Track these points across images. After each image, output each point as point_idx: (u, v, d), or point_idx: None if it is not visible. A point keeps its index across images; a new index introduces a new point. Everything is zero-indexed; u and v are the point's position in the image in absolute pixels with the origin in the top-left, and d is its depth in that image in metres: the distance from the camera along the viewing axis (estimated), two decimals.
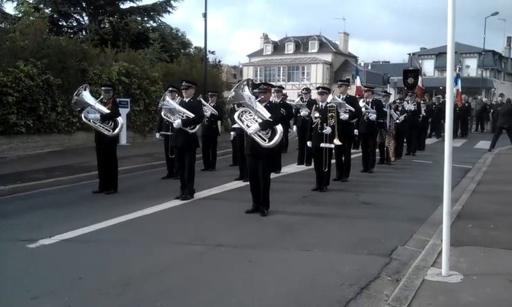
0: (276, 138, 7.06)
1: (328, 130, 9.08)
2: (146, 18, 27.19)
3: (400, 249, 5.85)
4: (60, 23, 25.70)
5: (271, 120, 7.07)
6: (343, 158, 10.33)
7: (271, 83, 13.62)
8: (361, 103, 11.74)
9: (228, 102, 7.66)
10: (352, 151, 12.73)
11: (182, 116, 8.23)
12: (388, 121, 12.89)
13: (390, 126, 13.02)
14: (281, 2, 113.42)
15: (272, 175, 10.58)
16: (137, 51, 19.52)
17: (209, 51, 25.15)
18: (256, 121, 7.12)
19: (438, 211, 7.25)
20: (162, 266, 5.20)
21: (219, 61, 29.87)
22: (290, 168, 12.13)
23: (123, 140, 16.17)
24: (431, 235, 6.20)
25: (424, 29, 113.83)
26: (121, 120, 9.12)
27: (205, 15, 20.68)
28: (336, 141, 9.15)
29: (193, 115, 8.20)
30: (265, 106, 7.26)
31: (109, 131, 8.88)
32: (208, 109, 11.53)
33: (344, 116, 10.02)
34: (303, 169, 12.06)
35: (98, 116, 8.83)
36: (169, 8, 27.03)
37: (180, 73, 19.17)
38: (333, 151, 9.57)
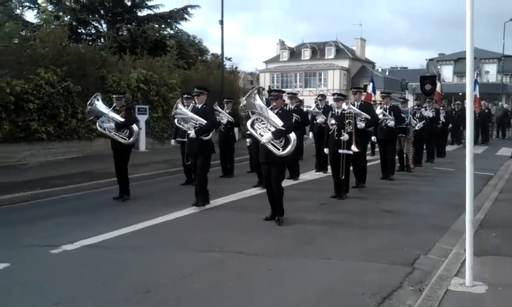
0: (290, 146, 7.00)
1: (345, 136, 8.97)
2: (163, 26, 27.45)
3: (423, 258, 5.76)
4: (79, 31, 26.06)
5: (284, 129, 7.00)
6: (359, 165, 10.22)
7: (282, 89, 13.56)
8: (378, 110, 11.62)
9: (240, 110, 7.65)
10: (370, 158, 12.65)
11: (195, 123, 8.20)
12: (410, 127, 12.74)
13: (409, 133, 12.85)
14: (295, 9, 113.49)
15: (290, 182, 10.61)
16: (155, 58, 19.67)
17: (226, 58, 25.27)
18: (269, 129, 7.07)
19: (461, 219, 7.13)
20: (183, 273, 5.21)
21: (236, 68, 29.98)
22: (308, 175, 12.07)
23: (142, 146, 16.32)
24: (454, 244, 6.11)
25: (441, 34, 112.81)
26: (136, 127, 9.14)
27: (221, 22, 20.80)
28: (354, 148, 9.02)
29: (206, 122, 8.16)
30: (277, 113, 7.21)
31: (125, 139, 8.91)
32: (225, 116, 11.52)
33: (361, 124, 9.91)
34: (320, 176, 12.00)
35: (112, 124, 8.86)
36: (186, 15, 27.27)
37: (197, 80, 19.25)
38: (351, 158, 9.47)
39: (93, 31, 27.10)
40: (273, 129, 7.04)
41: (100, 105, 8.96)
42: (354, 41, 61.26)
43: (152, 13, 27.06)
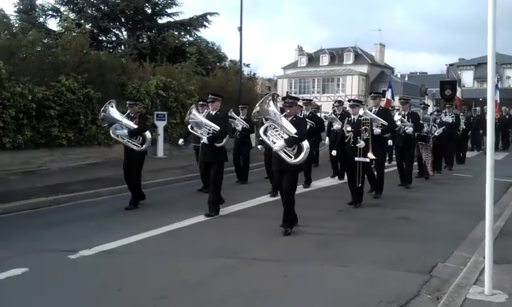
0: (303, 155, 6.85)
1: (361, 144, 8.84)
2: (183, 33, 27.75)
3: (441, 266, 5.68)
4: (100, 38, 26.51)
5: (297, 136, 6.85)
6: (375, 172, 10.06)
7: (296, 96, 13.45)
8: (396, 116, 11.42)
9: (253, 117, 7.58)
10: (387, 164, 12.47)
11: (209, 130, 8.18)
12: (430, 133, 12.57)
13: (429, 140, 12.62)
14: (313, 14, 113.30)
15: (304, 189, 10.57)
16: (174, 65, 19.87)
17: (244, 64, 25.39)
18: (282, 136, 6.94)
19: (480, 227, 7.02)
20: (198, 279, 5.22)
21: (254, 74, 30.09)
22: (324, 182, 12.02)
23: (159, 152, 16.47)
24: (473, 252, 6.00)
25: (460, 39, 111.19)
26: (148, 135, 9.11)
27: (240, 29, 20.93)
28: (371, 155, 8.90)
29: (219, 128, 8.12)
30: (291, 120, 7.06)
31: (138, 146, 8.88)
32: (240, 123, 11.47)
33: (376, 130, 9.72)
34: (336, 183, 11.93)
35: (125, 132, 8.83)
36: (205, 23, 27.53)
37: (215, 86, 19.37)
38: (372, 165, 9.43)
39: (114, 39, 27.56)
40: (286, 136, 6.91)
41: (113, 112, 8.93)
42: (373, 47, 60.93)
43: (172, 20, 27.43)
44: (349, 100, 9.80)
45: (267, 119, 7.38)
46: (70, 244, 6.36)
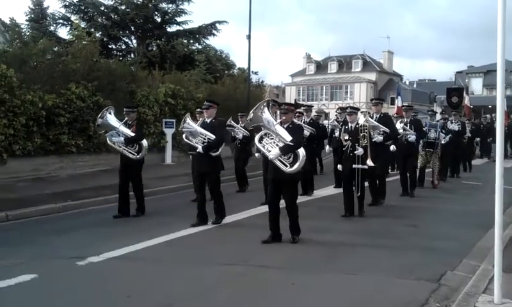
0: (298, 163, 6.64)
1: (359, 151, 8.45)
2: (192, 41, 27.93)
3: (450, 274, 5.63)
4: (110, 47, 26.77)
5: (292, 144, 6.63)
6: (377, 181, 9.84)
7: (295, 103, 13.29)
8: (398, 124, 11.09)
9: (247, 125, 7.41)
10: (390, 172, 12.29)
11: (204, 138, 7.90)
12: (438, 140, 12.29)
13: (438, 148, 12.40)
14: (321, 22, 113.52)
15: (307, 198, 10.49)
16: (183, 73, 19.99)
17: (252, 72, 25.48)
18: (277, 145, 6.73)
19: (489, 235, 6.97)
20: (206, 286, 5.23)
21: (262, 81, 30.19)
22: (328, 190, 11.85)
23: (168, 159, 16.54)
24: (482, 260, 5.95)
25: (469, 46, 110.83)
26: (145, 142, 8.96)
27: (249, 37, 21.02)
28: (370, 162, 8.53)
29: (214, 137, 7.84)
30: (287, 128, 6.83)
31: (134, 155, 8.71)
32: (240, 132, 11.36)
33: (378, 138, 9.47)
34: (339, 192, 11.46)
35: (122, 139, 8.66)
36: (214, 31, 27.70)
37: (224, 94, 19.46)
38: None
39: (124, 47, 27.82)
40: (281, 144, 6.71)
41: (111, 119, 8.78)
42: (382, 54, 60.89)
43: (181, 29, 27.64)
44: (346, 108, 9.48)
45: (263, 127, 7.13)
46: (78, 251, 6.39)
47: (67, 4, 26.02)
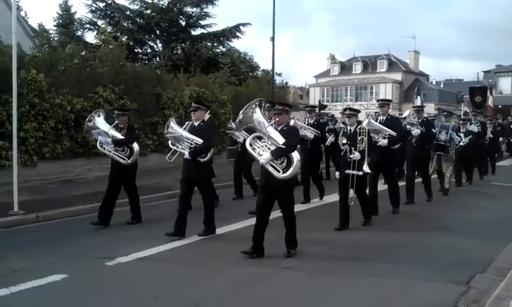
0: (292, 168, 6.07)
1: (356, 155, 7.71)
2: (216, 44, 28.13)
3: (479, 277, 5.54)
4: (136, 51, 27.17)
5: (284, 147, 6.06)
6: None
7: (319, 104, 12.56)
8: (404, 121, 10.52)
9: (237, 127, 6.91)
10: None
11: (191, 143, 7.25)
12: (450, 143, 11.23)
13: (450, 151, 11.36)
14: (343, 23, 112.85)
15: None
16: (207, 75, 20.13)
17: (276, 73, 25.51)
18: (269, 148, 6.18)
19: None
20: (232, 287, 5.27)
21: (286, 83, 30.20)
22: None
23: None
24: None
25: (496, 45, 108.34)
26: (136, 146, 8.38)
27: (272, 39, 21.05)
28: (366, 168, 7.73)
29: (202, 141, 7.19)
30: (281, 130, 6.29)
31: (125, 159, 8.18)
32: (241, 135, 10.72)
33: (383, 141, 8.83)
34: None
35: (109, 140, 8.12)
36: (238, 33, 27.85)
37: (248, 95, 19.47)
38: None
39: (149, 51, 28.18)
40: (273, 148, 6.17)
41: (99, 122, 8.28)
42: (407, 54, 60.09)
43: (205, 31, 27.89)
44: (344, 109, 8.74)
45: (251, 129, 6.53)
46: (107, 251, 6.50)
47: (94, 9, 26.55)
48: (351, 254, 6.55)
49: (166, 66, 19.74)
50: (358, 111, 8.65)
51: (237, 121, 6.39)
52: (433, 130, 10.69)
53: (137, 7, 26.97)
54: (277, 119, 6.37)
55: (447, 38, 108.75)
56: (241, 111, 6.44)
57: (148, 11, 26.76)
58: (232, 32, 27.78)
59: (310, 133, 10.05)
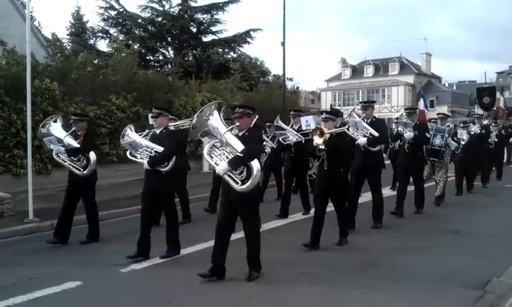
0: (251, 180, 5.39)
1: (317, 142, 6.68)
2: (227, 50, 28.29)
3: (496, 282, 5.47)
4: (148, 58, 27.43)
5: (241, 155, 5.37)
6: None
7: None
8: (394, 126, 10.06)
9: (190, 135, 6.20)
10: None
11: (150, 152, 6.56)
12: (446, 149, 10.24)
13: (445, 157, 10.38)
14: (354, 26, 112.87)
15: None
16: (218, 81, 20.24)
17: (287, 78, 25.53)
18: (228, 157, 5.54)
19: None
20: (247, 293, 5.26)
21: (297, 87, 30.20)
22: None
23: (205, 167, 16.69)
24: None
25: (509, 46, 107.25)
26: (94, 156, 7.59)
27: (283, 44, 21.07)
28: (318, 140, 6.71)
29: (162, 149, 6.50)
30: (242, 135, 5.61)
31: (80, 170, 7.42)
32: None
33: (362, 139, 8.05)
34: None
35: (61, 148, 7.39)
36: (248, 39, 27.96)
37: (259, 100, 19.56)
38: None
39: (161, 58, 28.43)
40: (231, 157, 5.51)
41: (55, 128, 7.65)
42: (419, 56, 59.78)
43: (216, 38, 28.07)
44: (321, 112, 8.08)
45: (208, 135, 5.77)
46: (121, 258, 6.53)
47: (106, 17, 26.88)
48: (361, 260, 6.48)
49: (177, 73, 19.92)
50: (337, 114, 7.87)
51: (192, 124, 5.70)
52: (427, 134, 9.74)
53: (149, 15, 27.25)
54: (237, 123, 5.67)
55: (458, 39, 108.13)
56: (195, 115, 5.74)
57: (160, 19, 27.02)
58: (243, 38, 27.92)
59: (293, 137, 9.17)
